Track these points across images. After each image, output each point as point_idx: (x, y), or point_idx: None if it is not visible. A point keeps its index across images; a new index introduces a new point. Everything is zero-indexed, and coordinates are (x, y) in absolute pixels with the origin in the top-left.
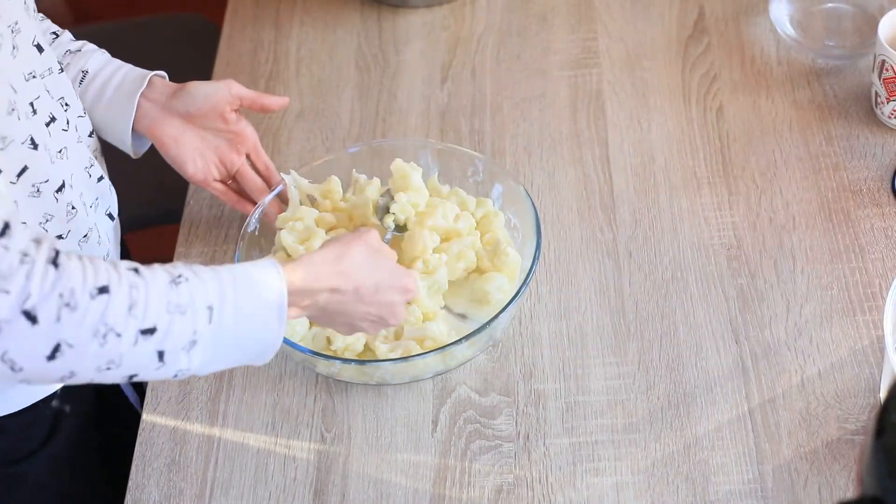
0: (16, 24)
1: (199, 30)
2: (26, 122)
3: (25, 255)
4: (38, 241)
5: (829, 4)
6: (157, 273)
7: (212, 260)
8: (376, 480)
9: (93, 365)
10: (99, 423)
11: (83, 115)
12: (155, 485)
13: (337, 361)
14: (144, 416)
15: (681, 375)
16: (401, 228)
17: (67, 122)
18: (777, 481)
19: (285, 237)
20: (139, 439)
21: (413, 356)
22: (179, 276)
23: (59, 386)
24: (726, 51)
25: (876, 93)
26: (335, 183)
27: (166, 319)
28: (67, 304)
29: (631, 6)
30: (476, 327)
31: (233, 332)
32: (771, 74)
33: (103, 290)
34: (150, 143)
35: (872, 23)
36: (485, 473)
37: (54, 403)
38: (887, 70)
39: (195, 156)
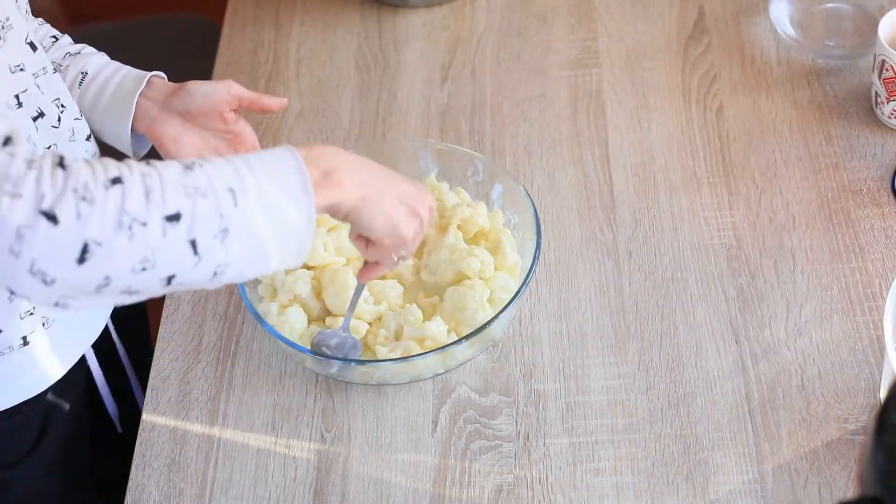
0: (7, 20)
1: (199, 30)
2: (8, 114)
3: (32, 160)
4: (42, 154)
5: (829, 4)
6: (169, 163)
7: None
8: (376, 480)
9: (127, 264)
10: (89, 428)
11: (79, 117)
12: (155, 485)
13: (337, 361)
14: (144, 416)
15: (681, 375)
16: None
17: (59, 121)
18: (777, 481)
19: None
20: (139, 439)
21: (413, 356)
22: (192, 163)
23: (53, 381)
24: (726, 51)
25: (876, 93)
26: None
27: (188, 203)
28: (84, 199)
29: (631, 6)
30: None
31: (263, 214)
32: (771, 74)
33: (116, 180)
34: (150, 145)
35: (872, 23)
36: (485, 473)
37: (49, 397)
38: (887, 70)
39: (194, 156)
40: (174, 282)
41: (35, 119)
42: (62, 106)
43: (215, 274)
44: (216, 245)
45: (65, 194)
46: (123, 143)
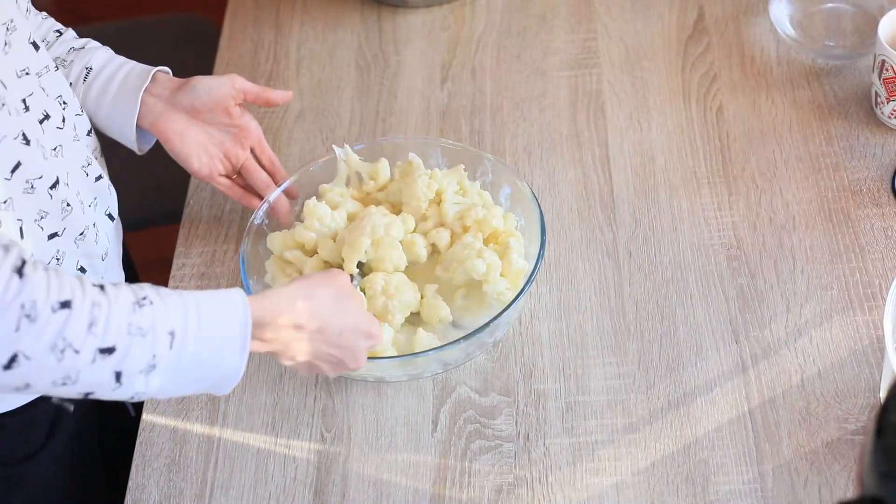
0: (11, 21)
1: (199, 30)
2: (17, 118)
3: None
4: (6, 249)
5: (829, 4)
6: (122, 293)
7: (212, 259)
8: (376, 480)
9: (48, 378)
10: (99, 423)
11: (81, 113)
12: (155, 485)
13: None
14: (144, 416)
15: (681, 375)
16: (364, 272)
17: (63, 120)
18: (777, 481)
19: (313, 205)
20: (139, 439)
21: (409, 355)
22: (144, 299)
23: None
24: (726, 51)
25: (876, 93)
26: (384, 165)
27: (126, 341)
28: (28, 316)
29: (631, 6)
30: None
31: (193, 360)
32: (771, 74)
33: (66, 304)
34: (155, 139)
35: (872, 23)
36: (485, 473)
37: (54, 400)
38: (887, 70)
39: (200, 151)
40: (91, 396)
41: (41, 122)
42: (64, 103)
43: (132, 397)
44: (140, 378)
45: (11, 306)
46: (128, 139)
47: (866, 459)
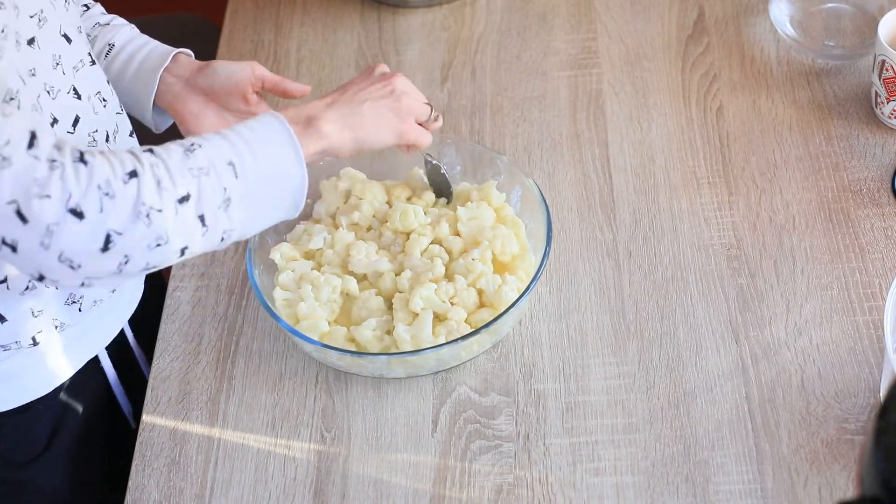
0: (41, 11)
1: (199, 30)
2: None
3: (53, 160)
4: (59, 147)
5: (829, 4)
6: (170, 148)
7: (212, 259)
8: (376, 480)
9: (143, 244)
10: (103, 427)
11: (121, 111)
12: (155, 485)
13: (332, 351)
14: (144, 417)
15: (681, 375)
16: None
17: (96, 131)
18: (777, 481)
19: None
20: (139, 439)
21: (407, 353)
22: (192, 145)
23: (61, 382)
24: (726, 51)
25: (876, 93)
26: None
27: (194, 183)
28: (107, 194)
29: (631, 6)
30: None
31: (259, 182)
32: (771, 74)
33: (132, 174)
34: (172, 120)
35: (872, 23)
36: (485, 473)
37: (62, 396)
38: (887, 70)
39: None
40: (187, 252)
41: (74, 125)
42: (103, 100)
43: (222, 239)
44: (221, 214)
45: (90, 190)
46: (146, 117)
47: (866, 459)
